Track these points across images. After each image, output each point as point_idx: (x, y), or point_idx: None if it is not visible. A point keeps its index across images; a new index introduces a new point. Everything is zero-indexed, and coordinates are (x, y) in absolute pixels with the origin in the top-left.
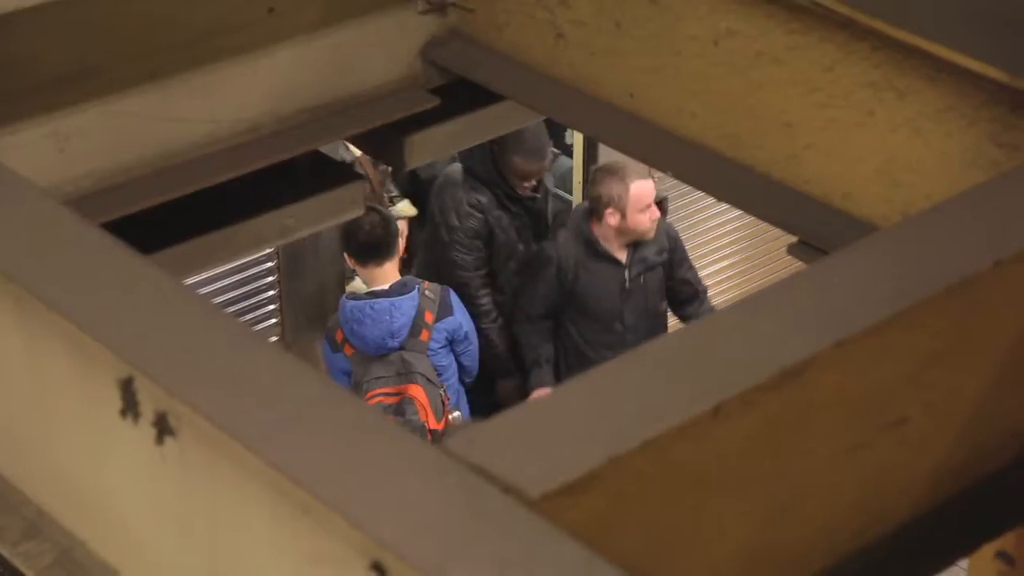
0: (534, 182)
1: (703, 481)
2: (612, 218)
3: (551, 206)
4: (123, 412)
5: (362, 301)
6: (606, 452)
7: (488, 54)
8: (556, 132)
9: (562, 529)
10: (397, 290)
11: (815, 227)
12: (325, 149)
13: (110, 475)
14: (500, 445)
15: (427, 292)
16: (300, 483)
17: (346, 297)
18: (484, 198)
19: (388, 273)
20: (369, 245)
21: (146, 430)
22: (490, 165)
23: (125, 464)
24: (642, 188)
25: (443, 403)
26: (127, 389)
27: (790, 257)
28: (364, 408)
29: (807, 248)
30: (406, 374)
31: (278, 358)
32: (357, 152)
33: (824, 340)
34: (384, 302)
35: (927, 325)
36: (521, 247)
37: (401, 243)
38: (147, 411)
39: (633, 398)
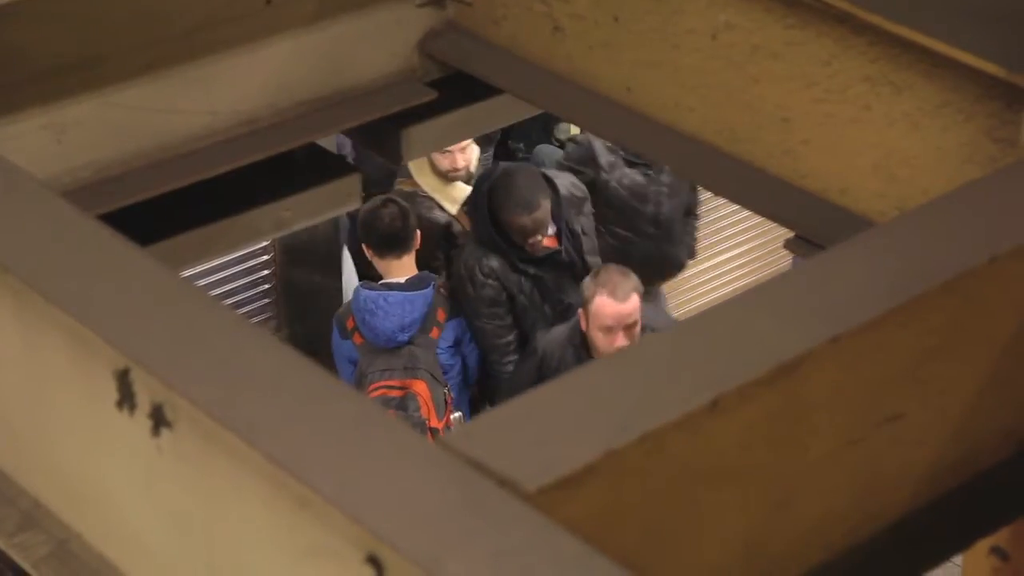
0: (539, 236)
1: (700, 475)
2: (583, 320)
3: (588, 246)
4: (119, 403)
5: (376, 292)
6: (603, 446)
7: (485, 47)
8: (547, 127)
9: (559, 523)
10: (413, 284)
11: (812, 222)
12: (323, 142)
13: (106, 467)
14: (497, 439)
15: (442, 290)
16: (297, 476)
17: (360, 286)
18: (496, 263)
19: (406, 266)
20: (388, 237)
21: (142, 422)
22: (490, 227)
23: (121, 456)
24: (605, 306)
25: (446, 402)
26: (123, 380)
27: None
28: (361, 401)
29: (804, 243)
30: (412, 369)
31: (275, 350)
32: (453, 210)
33: (820, 335)
34: (398, 295)
35: (923, 321)
36: (548, 309)
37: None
38: (143, 402)
39: (630, 392)
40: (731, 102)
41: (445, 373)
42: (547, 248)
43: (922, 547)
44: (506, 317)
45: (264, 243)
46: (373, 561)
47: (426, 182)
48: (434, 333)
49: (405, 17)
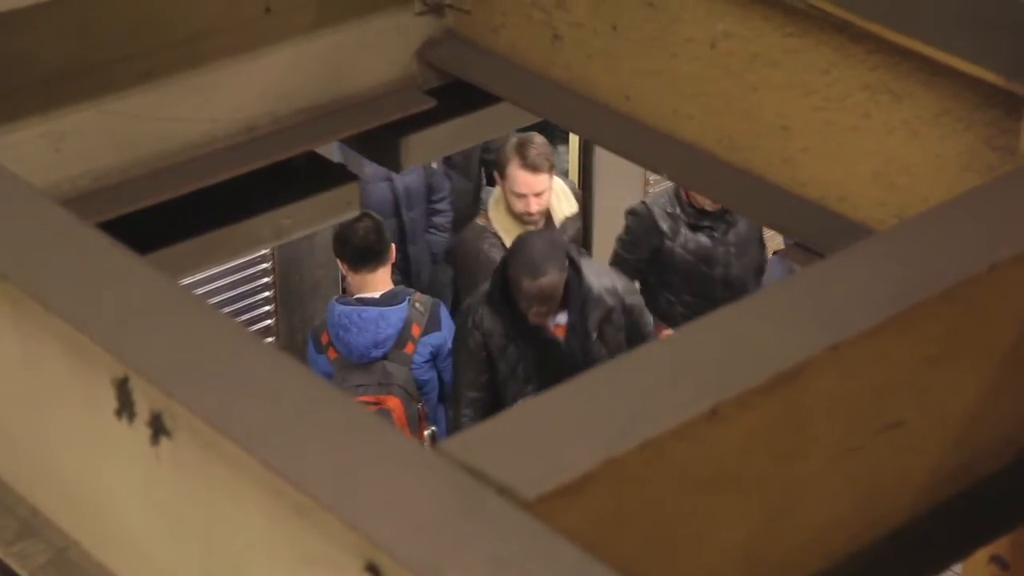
0: (544, 310)
1: (699, 483)
2: None
3: (600, 355)
4: (118, 412)
5: (351, 307)
6: (602, 453)
7: (484, 55)
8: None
9: (558, 531)
10: (387, 299)
11: (811, 230)
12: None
13: (105, 475)
14: (495, 446)
15: (417, 304)
16: (295, 484)
17: (335, 300)
18: (488, 319)
19: (380, 280)
20: (362, 251)
21: (141, 430)
22: (498, 285)
23: (120, 464)
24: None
25: (420, 418)
26: (122, 389)
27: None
28: (359, 409)
29: (803, 251)
30: (386, 385)
31: (274, 358)
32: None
33: (820, 343)
34: (372, 311)
35: (923, 328)
36: (531, 389)
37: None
38: (142, 411)
39: (630, 399)
40: (730, 110)
41: (421, 388)
42: (551, 333)
43: (922, 555)
44: (481, 375)
45: (263, 251)
46: (372, 569)
47: (498, 220)
48: (408, 348)
49: (404, 25)
